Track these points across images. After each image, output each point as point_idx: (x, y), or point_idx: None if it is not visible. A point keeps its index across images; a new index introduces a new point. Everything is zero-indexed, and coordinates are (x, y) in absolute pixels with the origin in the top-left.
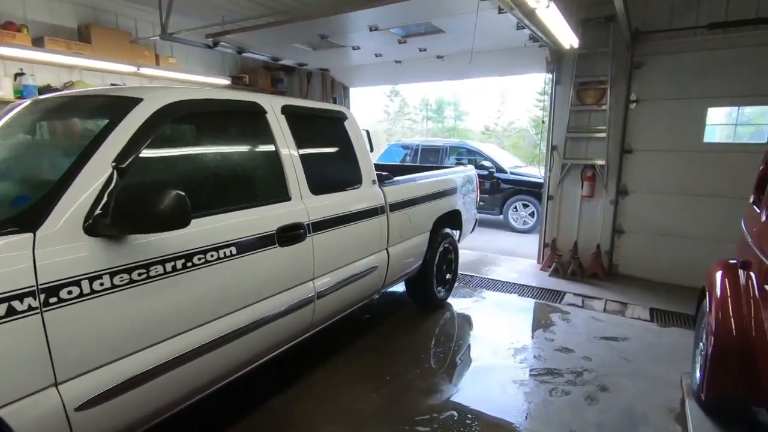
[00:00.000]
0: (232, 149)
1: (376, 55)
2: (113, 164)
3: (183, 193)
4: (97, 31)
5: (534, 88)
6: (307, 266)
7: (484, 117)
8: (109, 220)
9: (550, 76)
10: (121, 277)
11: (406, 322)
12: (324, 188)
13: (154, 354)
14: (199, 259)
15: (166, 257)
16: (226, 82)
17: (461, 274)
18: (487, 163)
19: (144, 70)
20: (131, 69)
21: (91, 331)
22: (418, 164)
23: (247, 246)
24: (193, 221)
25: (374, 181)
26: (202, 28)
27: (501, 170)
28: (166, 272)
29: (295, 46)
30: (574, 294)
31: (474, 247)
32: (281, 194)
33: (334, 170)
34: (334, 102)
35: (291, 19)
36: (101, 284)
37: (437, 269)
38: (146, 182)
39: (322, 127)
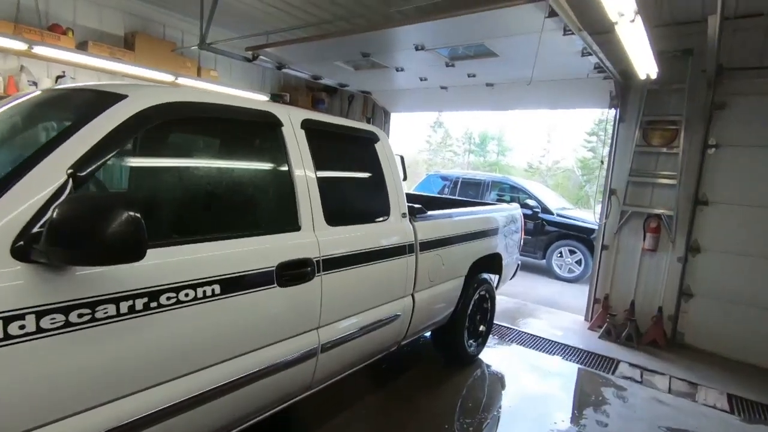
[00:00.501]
0: (231, 165)
1: (421, 79)
2: (69, 171)
3: (136, 215)
4: (142, 39)
5: (583, 127)
6: (311, 312)
7: (528, 154)
8: (42, 244)
9: (612, 112)
10: (53, 319)
11: (427, 378)
12: (343, 219)
13: (88, 422)
14: (169, 299)
15: (121, 295)
16: (265, 98)
17: (495, 325)
18: (531, 202)
19: (182, 80)
20: (170, 78)
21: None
22: (456, 198)
23: (235, 284)
24: (168, 250)
25: (404, 214)
26: (242, 38)
27: (547, 211)
28: (119, 314)
29: (337, 64)
30: (630, 364)
31: (511, 293)
32: (289, 223)
33: (358, 198)
34: (368, 122)
35: (333, 33)
36: (21, 327)
37: (470, 320)
38: (91, 195)
39: (348, 148)
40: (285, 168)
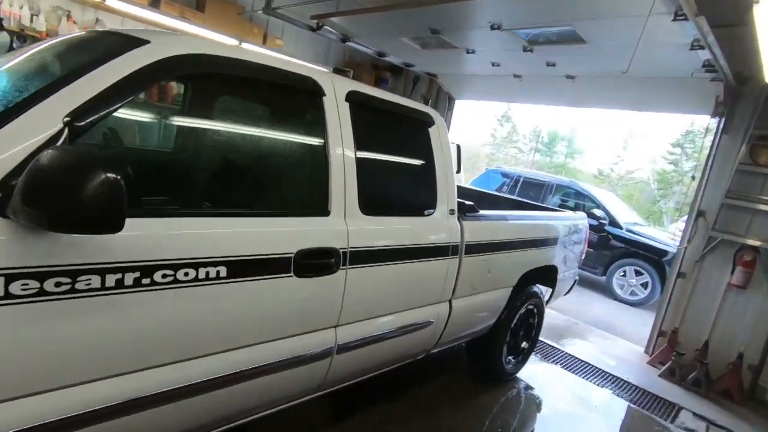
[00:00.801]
0: (257, 132)
1: (493, 64)
2: (66, 119)
3: (116, 178)
4: (212, 2)
5: (666, 137)
6: (330, 308)
7: (600, 160)
8: (16, 200)
9: (713, 121)
10: (25, 285)
11: (455, 392)
12: (380, 208)
13: (54, 402)
14: (165, 276)
15: (107, 266)
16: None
17: (539, 342)
18: (598, 212)
19: (245, 45)
20: (234, 43)
21: None
22: (515, 198)
23: (244, 269)
24: (167, 221)
25: (453, 210)
26: (307, 4)
27: (615, 224)
28: (104, 288)
29: (403, 40)
30: (695, 414)
31: (562, 308)
32: (316, 206)
33: (401, 187)
34: (425, 103)
35: (403, 4)
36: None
37: (512, 334)
38: (66, 149)
39: (398, 129)
40: (320, 143)
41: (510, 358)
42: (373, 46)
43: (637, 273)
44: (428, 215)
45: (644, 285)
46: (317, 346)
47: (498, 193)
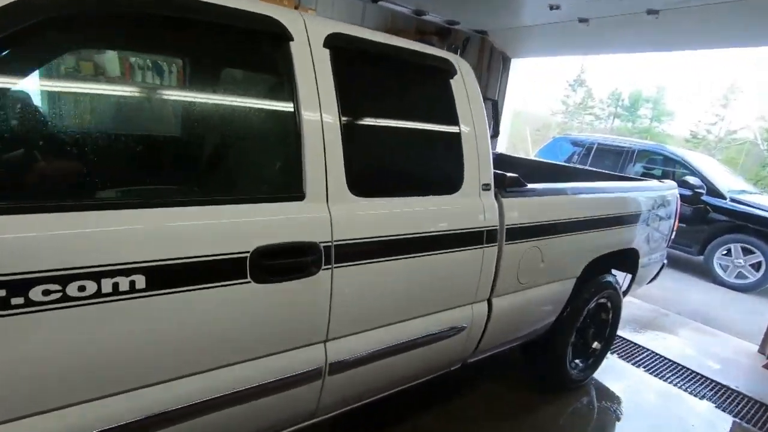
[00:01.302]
0: (194, 93)
1: (551, 7)
2: None
3: None
4: None
5: None
6: (313, 319)
7: (693, 121)
8: None
9: None
10: None
11: (503, 403)
12: (379, 187)
13: None
14: (46, 293)
15: None
16: None
17: (617, 337)
18: (693, 180)
19: None
20: None
21: None
22: (586, 168)
23: (169, 277)
24: (45, 219)
25: (487, 185)
26: None
27: (715, 193)
28: None
29: None
30: None
31: (646, 295)
32: (285, 188)
33: (410, 158)
34: (455, 51)
35: None
36: None
37: (579, 334)
38: None
39: (403, 82)
40: (287, 105)
41: (576, 361)
42: (409, 4)
43: (746, 251)
44: (452, 193)
45: (755, 266)
46: (300, 367)
47: (566, 164)
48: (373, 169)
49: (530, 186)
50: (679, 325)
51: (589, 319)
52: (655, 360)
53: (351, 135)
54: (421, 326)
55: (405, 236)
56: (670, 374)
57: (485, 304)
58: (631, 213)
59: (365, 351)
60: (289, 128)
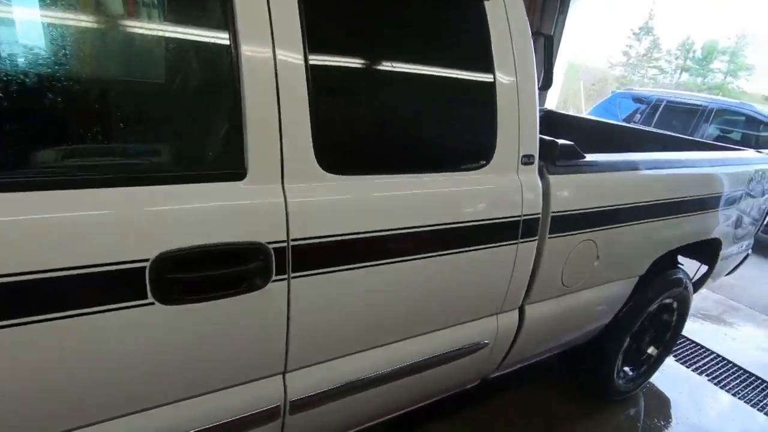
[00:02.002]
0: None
1: None
2: None
3: None
4: None
5: None
6: (263, 347)
7: None
8: None
9: None
10: None
11: (530, 415)
12: (366, 160)
13: None
14: None
15: None
16: None
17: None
18: None
19: None
20: None
21: None
22: (655, 130)
23: (24, 301)
24: None
25: (529, 157)
26: None
27: None
28: None
29: None
30: None
31: (713, 284)
32: (213, 160)
33: (415, 118)
34: None
35: None
36: None
37: (632, 339)
38: None
39: (409, 8)
40: (219, 35)
41: (626, 370)
42: None
43: None
44: (477, 169)
45: None
46: (246, 409)
47: (628, 125)
48: (357, 134)
49: (590, 158)
50: (752, 322)
51: (647, 322)
52: (721, 366)
53: (324, 81)
54: (423, 347)
55: (403, 231)
56: (738, 385)
57: (515, 313)
58: (718, 193)
59: (342, 382)
60: (221, 69)
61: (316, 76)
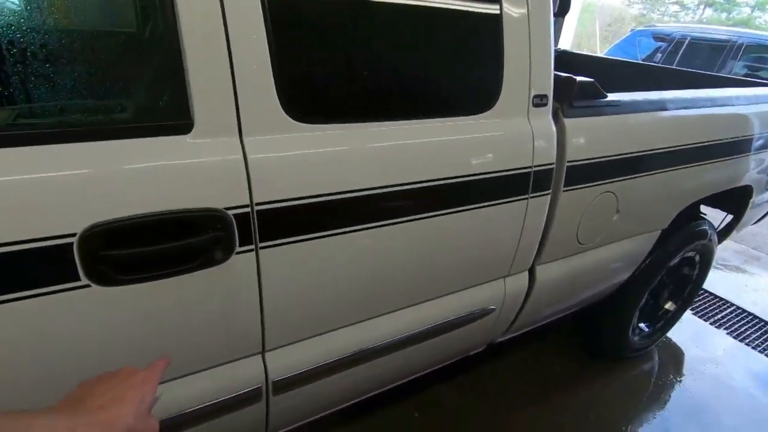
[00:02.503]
0: None
1: None
2: None
3: None
4: None
5: None
6: (236, 327)
7: None
8: None
9: None
10: None
11: (537, 372)
12: (343, 105)
13: None
14: None
15: None
16: None
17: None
18: None
19: None
20: None
21: None
22: (681, 69)
23: None
24: None
25: (541, 98)
26: None
27: None
28: None
29: None
30: None
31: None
32: (150, 108)
33: (403, 53)
34: None
35: None
36: None
37: (651, 295)
38: None
39: None
40: None
41: (641, 326)
42: None
43: None
44: (479, 113)
45: None
46: (222, 393)
47: (649, 63)
48: (333, 72)
49: (611, 97)
50: None
51: (666, 277)
52: (741, 319)
53: (287, 5)
54: (420, 316)
55: (391, 189)
56: (758, 338)
57: (524, 275)
58: (751, 135)
59: (327, 359)
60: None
61: (277, 7)
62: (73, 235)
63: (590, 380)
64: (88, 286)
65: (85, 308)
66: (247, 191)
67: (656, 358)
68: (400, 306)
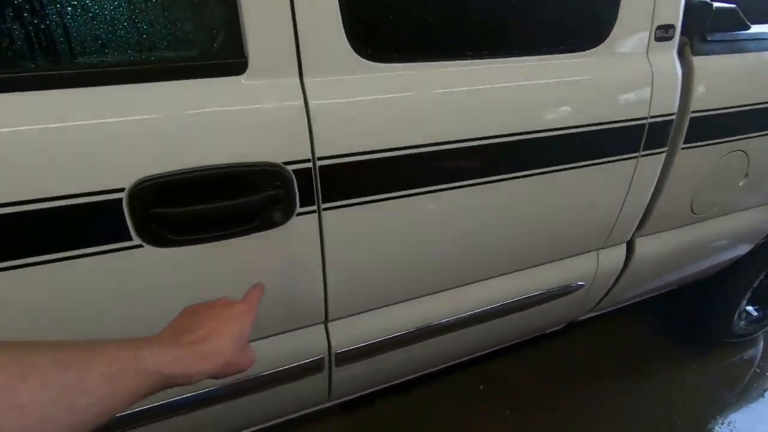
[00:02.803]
0: None
1: None
2: None
3: None
4: None
5: None
6: (294, 295)
7: None
8: None
9: None
10: None
11: (621, 356)
12: (423, 42)
13: None
14: None
15: None
16: None
17: None
18: None
19: None
20: None
21: None
22: None
23: None
24: None
25: (667, 30)
26: None
27: None
28: None
29: None
30: None
31: None
32: (200, 47)
33: None
34: None
35: None
36: None
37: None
38: None
39: None
40: None
41: (749, 309)
42: None
43: None
44: (586, 49)
45: None
46: (283, 362)
47: None
48: (411, 3)
49: (755, 29)
50: None
51: None
52: None
53: None
54: (498, 292)
55: (475, 143)
56: None
57: (621, 249)
58: None
59: (392, 333)
60: None
61: None
62: (122, 190)
63: (680, 364)
64: (140, 246)
65: (137, 270)
66: (309, 144)
67: (761, 345)
68: (479, 278)
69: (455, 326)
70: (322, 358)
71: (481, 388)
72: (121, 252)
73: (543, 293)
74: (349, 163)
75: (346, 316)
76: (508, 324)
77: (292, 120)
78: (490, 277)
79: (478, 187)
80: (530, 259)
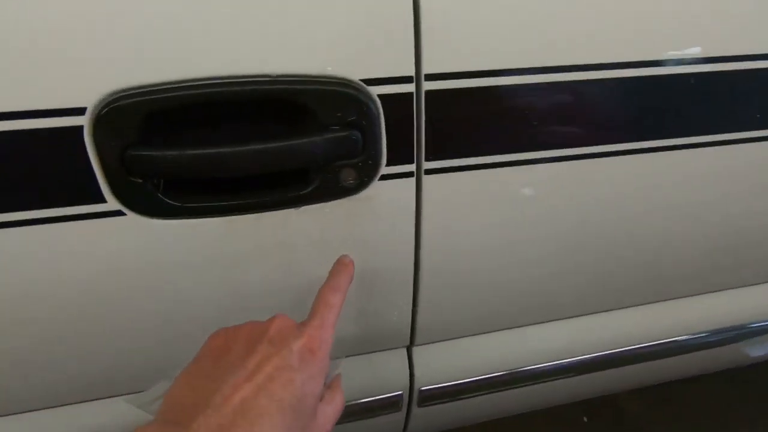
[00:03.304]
0: None
1: None
2: None
3: None
4: None
5: None
6: (372, 302)
7: None
8: None
9: None
10: None
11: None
12: None
13: None
14: None
15: None
16: None
17: None
18: None
19: None
20: None
21: None
22: None
23: None
24: None
25: None
26: None
27: None
28: None
29: None
30: None
31: None
32: None
33: None
34: None
35: None
36: None
37: None
38: None
39: None
40: None
41: None
42: None
43: None
44: None
45: None
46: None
47: None
48: None
49: None
50: None
51: None
52: None
53: None
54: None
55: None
56: None
57: None
58: None
59: (499, 369)
60: None
61: None
62: (82, 111)
63: None
64: (118, 213)
65: (114, 252)
66: (412, 50)
67: None
68: (639, 301)
69: (614, 362)
70: (401, 395)
71: (585, 420)
72: (87, 221)
73: (741, 327)
74: (481, 89)
75: (440, 341)
76: (663, 365)
77: (382, 7)
78: (658, 301)
79: (693, 150)
80: (723, 280)
